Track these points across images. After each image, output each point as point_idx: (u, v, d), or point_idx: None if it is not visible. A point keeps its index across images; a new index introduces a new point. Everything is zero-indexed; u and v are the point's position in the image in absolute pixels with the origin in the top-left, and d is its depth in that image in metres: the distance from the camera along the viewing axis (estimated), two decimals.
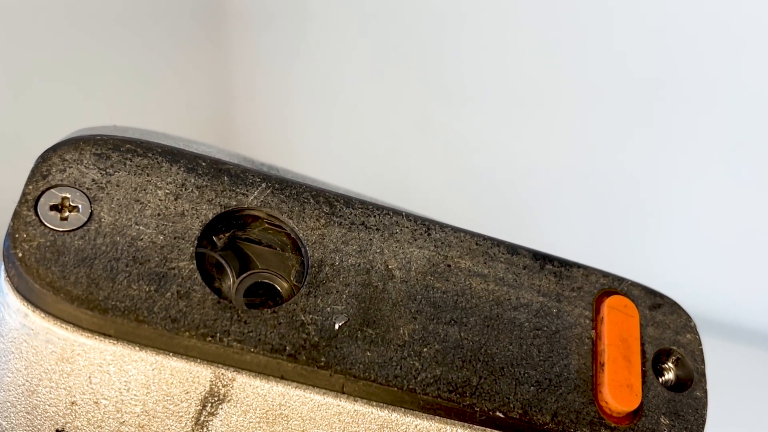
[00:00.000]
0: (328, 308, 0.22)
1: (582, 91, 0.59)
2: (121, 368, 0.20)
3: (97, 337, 0.20)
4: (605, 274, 0.25)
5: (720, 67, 0.53)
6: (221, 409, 0.21)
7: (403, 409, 0.22)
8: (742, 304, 0.63)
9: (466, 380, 0.22)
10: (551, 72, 0.59)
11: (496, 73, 0.61)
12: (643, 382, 0.24)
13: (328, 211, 0.23)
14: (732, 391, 0.43)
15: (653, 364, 0.24)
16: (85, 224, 0.20)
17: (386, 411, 0.22)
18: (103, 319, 0.20)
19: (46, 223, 0.20)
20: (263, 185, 0.22)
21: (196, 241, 0.21)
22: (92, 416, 0.21)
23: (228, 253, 0.23)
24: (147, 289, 0.20)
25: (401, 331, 0.22)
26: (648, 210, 0.62)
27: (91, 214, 0.20)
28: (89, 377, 0.20)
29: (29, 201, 0.20)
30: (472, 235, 0.24)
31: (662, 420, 0.24)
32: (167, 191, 0.21)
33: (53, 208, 0.20)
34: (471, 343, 0.23)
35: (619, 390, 0.23)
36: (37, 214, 0.20)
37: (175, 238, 0.21)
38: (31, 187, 0.20)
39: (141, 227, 0.21)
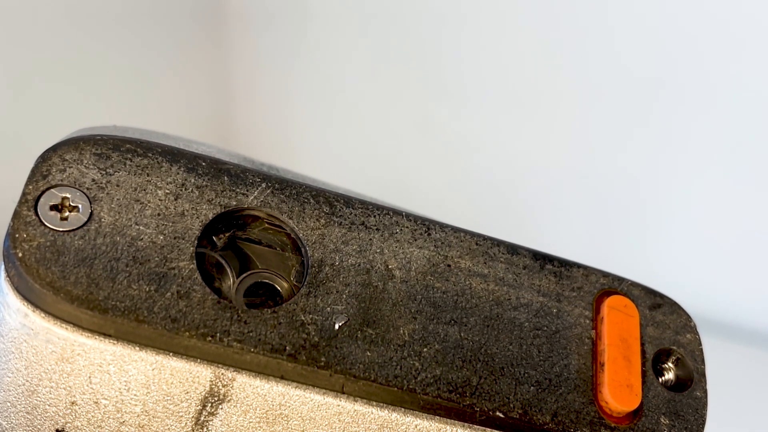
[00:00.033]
0: (328, 308, 0.22)
1: (582, 91, 0.59)
2: (121, 368, 0.20)
3: (97, 337, 0.20)
4: (605, 274, 0.25)
5: (720, 67, 0.53)
6: (221, 409, 0.21)
7: (403, 409, 0.22)
8: (742, 304, 0.63)
9: (466, 380, 0.22)
10: (551, 72, 0.59)
11: (496, 73, 0.61)
12: (643, 382, 0.24)
13: (328, 211, 0.23)
14: (732, 391, 0.43)
15: (653, 364, 0.24)
16: (85, 224, 0.20)
17: (386, 411, 0.22)
18: (103, 319, 0.20)
19: (46, 223, 0.20)
20: (263, 185, 0.22)
21: (196, 241, 0.21)
22: (92, 416, 0.21)
23: (228, 253, 0.23)
24: (147, 289, 0.20)
25: (401, 331, 0.22)
26: (648, 210, 0.62)
27: (91, 214, 0.20)
28: (89, 377, 0.20)
29: (29, 201, 0.20)
30: (472, 235, 0.24)
31: (662, 420, 0.24)
32: (167, 191, 0.21)
33: (53, 208, 0.20)
34: (471, 343, 0.23)
35: (619, 390, 0.23)
36: (37, 214, 0.20)
37: (175, 238, 0.21)
38: (31, 187, 0.20)
39: (141, 227, 0.21)
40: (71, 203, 0.20)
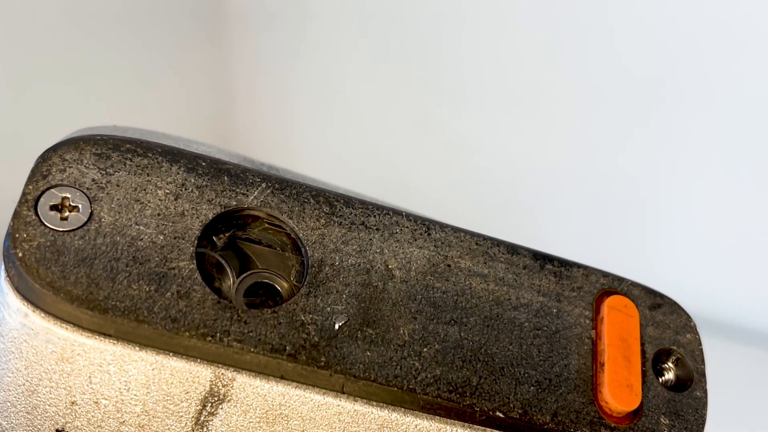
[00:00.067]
0: (328, 308, 0.22)
1: (582, 91, 0.59)
2: (121, 368, 0.20)
3: (97, 337, 0.20)
4: (605, 274, 0.25)
5: (720, 67, 0.53)
6: (221, 408, 0.21)
7: (403, 409, 0.22)
8: (742, 304, 0.63)
9: (466, 380, 0.22)
10: (551, 72, 0.59)
11: (496, 74, 0.61)
12: (643, 382, 0.24)
13: (328, 211, 0.23)
14: (732, 391, 0.43)
15: (653, 364, 0.24)
16: (85, 224, 0.20)
17: (386, 411, 0.22)
18: (103, 319, 0.20)
19: (46, 223, 0.20)
20: (263, 185, 0.22)
21: (196, 241, 0.21)
22: (92, 416, 0.21)
23: (228, 253, 0.23)
24: (147, 289, 0.20)
25: (401, 331, 0.22)
26: (648, 210, 0.62)
27: (91, 214, 0.20)
28: (89, 377, 0.20)
29: (29, 201, 0.20)
30: (472, 235, 0.24)
31: (662, 420, 0.24)
32: (167, 191, 0.21)
33: (53, 208, 0.20)
34: (471, 343, 0.23)
35: (619, 390, 0.23)
36: (37, 214, 0.20)
37: (175, 238, 0.21)
38: (31, 187, 0.20)
39: (141, 227, 0.21)
40: (71, 203, 0.20)
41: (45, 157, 0.21)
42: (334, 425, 0.21)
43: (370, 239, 0.23)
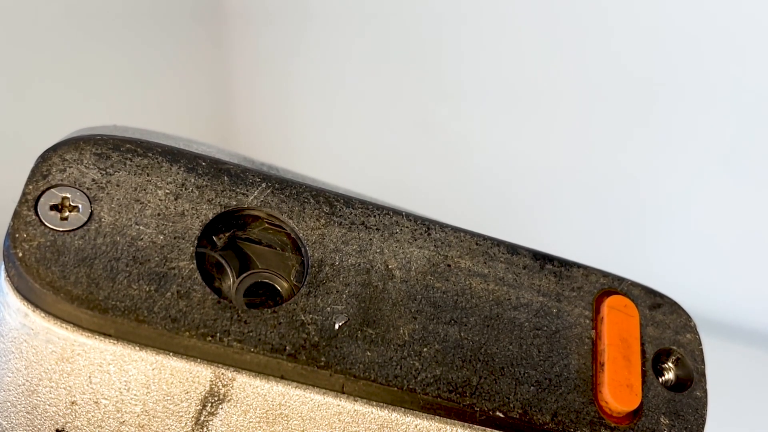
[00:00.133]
0: (328, 308, 0.22)
1: (582, 91, 0.59)
2: (122, 368, 0.20)
3: (97, 336, 0.20)
4: (605, 274, 0.25)
5: (720, 67, 0.53)
6: (221, 408, 0.21)
7: (403, 409, 0.22)
8: (741, 304, 0.63)
9: (466, 380, 0.22)
10: (551, 72, 0.59)
11: (496, 73, 0.61)
12: (643, 382, 0.24)
13: (328, 211, 0.23)
14: (732, 391, 0.43)
15: (653, 364, 0.24)
16: (85, 224, 0.20)
17: (386, 411, 0.22)
18: (103, 319, 0.20)
19: (46, 223, 0.20)
20: (263, 185, 0.22)
21: (196, 241, 0.21)
22: (92, 416, 0.21)
23: (228, 253, 0.23)
24: (147, 288, 0.20)
25: (401, 331, 0.22)
26: (648, 210, 0.62)
27: (91, 213, 0.20)
28: (89, 377, 0.20)
29: (29, 201, 0.20)
30: (472, 235, 0.24)
31: (662, 420, 0.24)
32: (167, 191, 0.21)
33: (53, 207, 0.20)
34: (471, 343, 0.23)
35: (619, 390, 0.23)
36: (37, 214, 0.20)
37: (175, 238, 0.21)
38: (31, 186, 0.20)
39: (141, 227, 0.21)
40: (71, 203, 0.20)
41: (45, 157, 0.21)
42: (334, 425, 0.21)
43: (370, 239, 0.23)
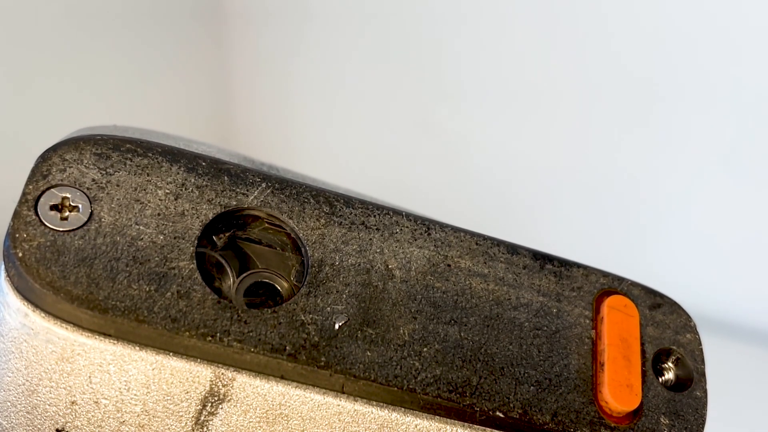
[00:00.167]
0: (328, 308, 0.22)
1: (582, 91, 0.59)
2: (122, 368, 0.20)
3: (97, 336, 0.20)
4: (605, 274, 0.25)
5: (720, 67, 0.53)
6: (221, 408, 0.21)
7: (403, 409, 0.22)
8: (742, 304, 0.63)
9: (466, 380, 0.22)
10: (551, 72, 0.59)
11: (496, 73, 0.61)
12: (643, 382, 0.24)
13: (328, 211, 0.23)
14: (732, 390, 0.43)
15: (653, 363, 0.24)
16: (85, 224, 0.20)
17: (386, 411, 0.22)
18: (103, 319, 0.20)
19: (46, 223, 0.20)
20: (263, 185, 0.22)
21: (196, 241, 0.21)
22: (92, 416, 0.21)
23: (228, 253, 0.23)
24: (147, 288, 0.20)
25: (401, 331, 0.22)
26: (648, 210, 0.62)
27: (91, 213, 0.20)
28: (89, 377, 0.20)
29: (29, 201, 0.20)
30: (472, 235, 0.24)
31: (662, 420, 0.24)
32: (167, 191, 0.21)
33: (53, 207, 0.20)
34: (471, 343, 0.23)
35: (619, 390, 0.23)
36: (37, 214, 0.20)
37: (175, 238, 0.21)
38: (31, 186, 0.20)
39: (141, 227, 0.21)
40: (71, 203, 0.20)
41: (45, 157, 0.21)
42: (334, 425, 0.21)
43: (370, 239, 0.23)
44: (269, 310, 0.21)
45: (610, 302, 0.24)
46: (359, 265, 0.22)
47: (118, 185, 0.21)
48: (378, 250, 0.23)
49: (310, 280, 0.22)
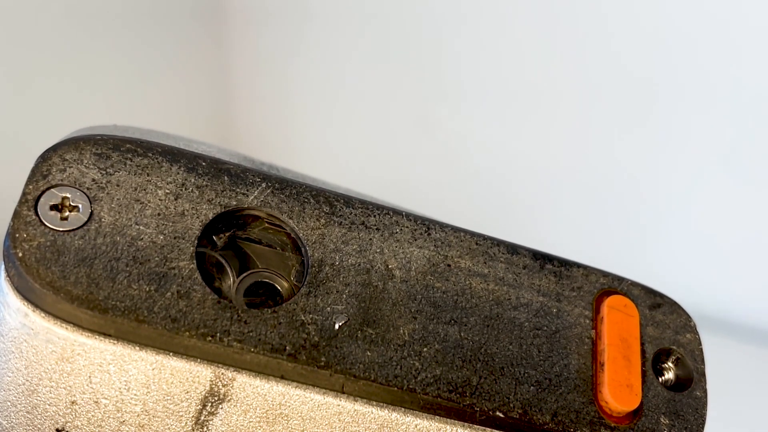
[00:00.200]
0: (328, 308, 0.22)
1: (582, 91, 0.59)
2: (122, 368, 0.20)
3: (97, 336, 0.20)
4: (605, 274, 0.25)
5: (720, 67, 0.53)
6: (221, 408, 0.21)
7: (403, 409, 0.22)
8: (741, 303, 0.63)
9: (466, 380, 0.22)
10: (551, 71, 0.59)
11: (496, 73, 0.61)
12: (643, 382, 0.24)
13: (328, 211, 0.23)
14: (732, 391, 0.43)
15: (653, 363, 0.24)
16: (85, 224, 0.20)
17: (386, 411, 0.22)
18: (103, 319, 0.20)
19: (46, 223, 0.20)
20: (263, 185, 0.22)
21: (196, 241, 0.21)
22: (92, 416, 0.21)
23: (228, 253, 0.23)
24: (147, 288, 0.20)
25: (401, 331, 0.22)
26: (648, 210, 0.62)
27: (91, 213, 0.21)
28: (89, 377, 0.20)
29: (29, 201, 0.20)
30: (472, 234, 0.24)
31: (662, 420, 0.24)
32: (167, 191, 0.21)
33: (53, 207, 0.20)
34: (471, 343, 0.23)
35: (619, 390, 0.23)
36: (37, 214, 0.20)
37: (175, 238, 0.21)
38: (31, 186, 0.20)
39: (141, 227, 0.21)
40: (71, 203, 0.20)
41: (45, 157, 0.21)
42: (334, 425, 0.21)
43: (370, 239, 0.23)
44: (269, 310, 0.21)
45: (610, 302, 0.24)
46: (359, 265, 0.22)
47: (118, 185, 0.21)
48: (378, 250, 0.23)
49: (310, 280, 0.22)
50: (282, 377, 0.21)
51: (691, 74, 0.54)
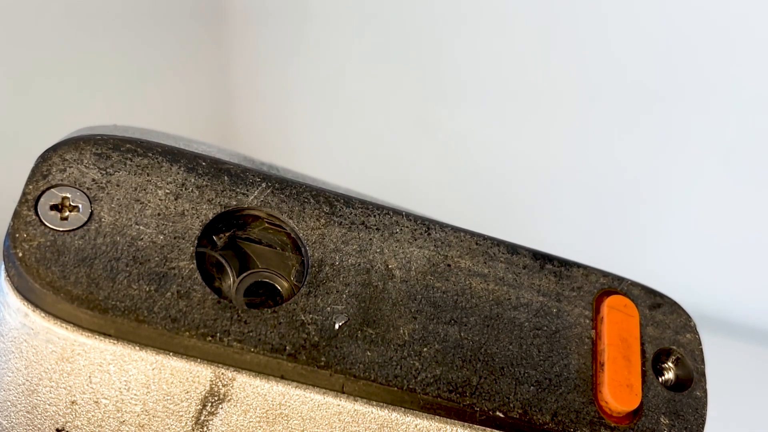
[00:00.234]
0: (328, 308, 0.22)
1: (582, 91, 0.59)
2: (122, 368, 0.20)
3: (97, 336, 0.20)
4: (605, 274, 0.25)
5: (719, 66, 0.53)
6: (221, 408, 0.21)
7: (403, 409, 0.22)
8: (741, 304, 0.63)
9: (466, 380, 0.22)
10: (551, 71, 0.59)
11: (496, 73, 0.61)
12: (643, 382, 0.24)
13: (328, 211, 0.23)
14: (732, 391, 0.43)
15: (653, 363, 0.24)
16: (85, 224, 0.20)
17: (386, 411, 0.22)
18: (103, 319, 0.20)
19: (46, 223, 0.20)
20: (263, 185, 0.22)
21: (196, 241, 0.21)
22: (92, 415, 0.21)
23: (228, 253, 0.23)
24: (147, 288, 0.20)
25: (401, 331, 0.22)
26: (648, 209, 0.62)
27: (91, 213, 0.21)
28: (89, 377, 0.20)
29: (29, 201, 0.20)
30: (472, 234, 0.24)
31: (662, 420, 0.24)
32: (167, 191, 0.21)
33: (53, 207, 0.20)
34: (471, 343, 0.23)
35: (619, 390, 0.23)
36: (37, 214, 0.20)
37: (175, 238, 0.21)
38: (31, 186, 0.20)
39: (141, 227, 0.21)
40: (71, 203, 0.20)
41: (45, 157, 0.21)
42: (334, 425, 0.21)
43: (370, 239, 0.23)
44: (269, 310, 0.21)
45: (610, 302, 0.24)
46: (359, 265, 0.22)
47: (118, 185, 0.21)
48: (378, 250, 0.23)
49: (310, 280, 0.22)
50: (282, 377, 0.21)
51: (690, 74, 0.54)
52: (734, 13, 0.50)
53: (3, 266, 0.20)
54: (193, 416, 0.21)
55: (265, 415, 0.21)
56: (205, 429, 0.21)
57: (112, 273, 0.20)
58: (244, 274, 0.22)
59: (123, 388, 0.20)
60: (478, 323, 0.23)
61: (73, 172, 0.21)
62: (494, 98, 0.62)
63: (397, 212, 0.24)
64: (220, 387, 0.21)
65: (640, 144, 0.59)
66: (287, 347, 0.21)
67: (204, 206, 0.22)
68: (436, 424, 0.22)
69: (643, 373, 0.24)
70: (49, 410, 0.21)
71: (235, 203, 0.22)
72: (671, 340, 0.25)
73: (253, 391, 0.21)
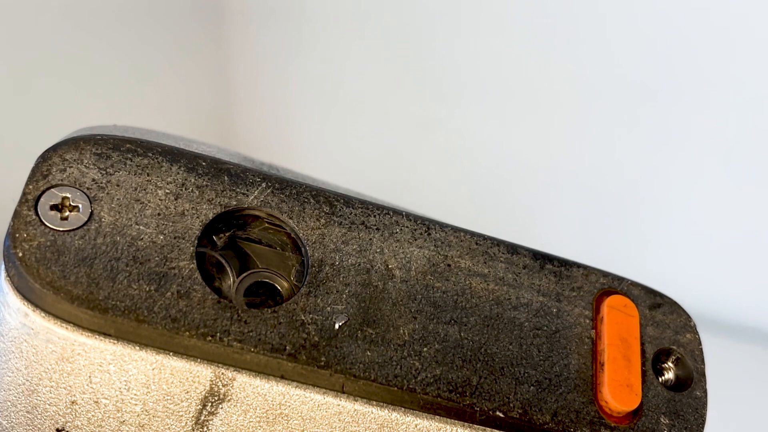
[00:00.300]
0: (328, 308, 0.22)
1: (582, 91, 0.59)
2: (122, 368, 0.20)
3: (97, 336, 0.20)
4: (605, 274, 0.25)
5: (719, 66, 0.53)
6: (221, 408, 0.21)
7: (403, 409, 0.22)
8: (742, 304, 0.63)
9: (466, 380, 0.22)
10: (551, 72, 0.59)
11: (495, 73, 0.61)
12: (643, 382, 0.24)
13: (328, 211, 0.23)
14: (732, 391, 0.43)
15: (653, 363, 0.24)
16: (85, 224, 0.20)
17: (386, 410, 0.22)
18: (103, 319, 0.20)
19: (46, 223, 0.20)
20: (263, 185, 0.23)
21: (196, 241, 0.21)
22: (92, 415, 0.21)
23: (228, 253, 0.23)
24: (147, 288, 0.20)
25: (401, 331, 0.22)
26: (648, 209, 0.62)
27: (92, 213, 0.21)
28: (89, 376, 0.20)
29: (29, 201, 0.20)
30: (472, 234, 0.24)
31: (662, 420, 0.24)
32: (167, 191, 0.21)
33: (53, 207, 0.20)
34: (471, 343, 0.23)
35: (619, 390, 0.23)
36: (37, 214, 0.20)
37: (175, 238, 0.21)
38: (31, 186, 0.20)
39: (141, 227, 0.21)
40: (71, 203, 0.20)
41: (45, 157, 0.21)
42: (334, 425, 0.21)
43: (370, 239, 0.23)
44: (269, 310, 0.21)
45: (610, 302, 0.24)
46: (359, 264, 0.22)
47: (118, 185, 0.21)
48: (378, 250, 0.23)
49: (310, 280, 0.22)
50: (282, 377, 0.21)
51: (690, 74, 0.54)
52: (734, 13, 0.50)
53: (3, 266, 0.20)
54: (193, 416, 0.21)
55: (265, 415, 0.21)
56: (205, 429, 0.21)
57: (112, 273, 0.20)
58: (244, 274, 0.22)
59: (123, 388, 0.20)
60: (478, 323, 0.23)
61: (73, 172, 0.21)
62: (494, 98, 0.62)
63: (397, 212, 0.24)
64: (220, 387, 0.21)
65: (640, 144, 0.59)
66: (287, 347, 0.21)
67: (204, 206, 0.22)
68: (436, 424, 0.22)
69: (643, 373, 0.24)
70: (49, 410, 0.21)
71: (235, 203, 0.22)
72: (671, 340, 0.25)
73: (253, 391, 0.21)
